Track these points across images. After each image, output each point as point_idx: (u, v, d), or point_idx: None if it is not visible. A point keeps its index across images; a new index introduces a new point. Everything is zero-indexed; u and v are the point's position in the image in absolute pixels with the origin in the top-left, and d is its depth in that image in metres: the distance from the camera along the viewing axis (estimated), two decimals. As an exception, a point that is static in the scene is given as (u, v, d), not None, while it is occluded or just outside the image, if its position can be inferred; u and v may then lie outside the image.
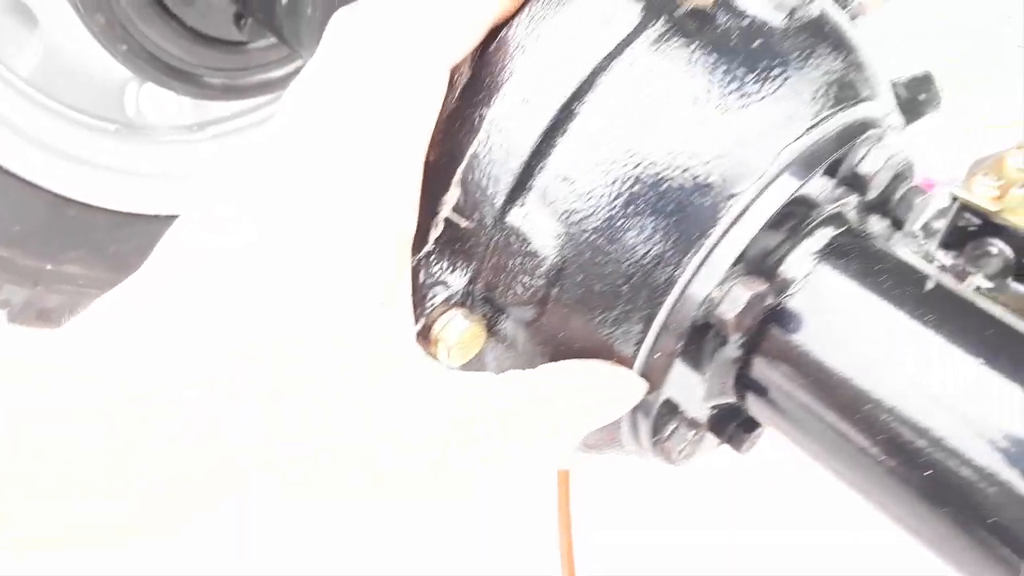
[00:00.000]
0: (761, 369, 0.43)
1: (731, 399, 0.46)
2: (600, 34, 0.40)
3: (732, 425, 0.49)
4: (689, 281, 0.39)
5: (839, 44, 0.43)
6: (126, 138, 1.03)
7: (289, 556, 0.32)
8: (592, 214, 0.40)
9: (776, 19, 0.42)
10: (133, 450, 0.25)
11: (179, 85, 0.92)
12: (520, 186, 0.41)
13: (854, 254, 0.42)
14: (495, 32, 0.42)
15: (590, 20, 0.40)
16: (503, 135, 0.41)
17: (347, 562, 0.39)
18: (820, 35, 0.42)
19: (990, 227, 0.90)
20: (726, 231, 0.39)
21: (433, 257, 0.43)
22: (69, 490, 0.24)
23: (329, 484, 0.30)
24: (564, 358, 0.43)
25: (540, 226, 0.40)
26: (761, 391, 0.44)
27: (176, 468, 0.26)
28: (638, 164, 0.39)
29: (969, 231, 0.95)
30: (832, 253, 0.42)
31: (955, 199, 0.86)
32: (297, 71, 0.99)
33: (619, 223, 0.40)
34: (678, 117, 0.39)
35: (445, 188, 0.43)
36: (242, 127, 1.10)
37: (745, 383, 0.45)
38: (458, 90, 0.43)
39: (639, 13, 0.40)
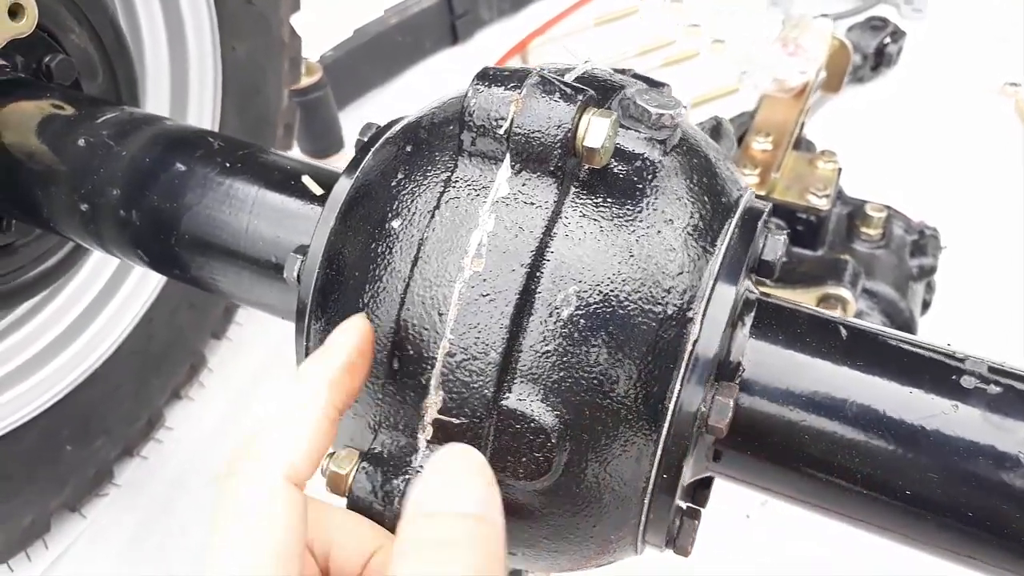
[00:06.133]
0: (734, 442, 0.49)
1: (704, 474, 0.52)
2: (531, 217, 0.43)
3: (693, 487, 0.54)
4: (677, 406, 0.44)
5: (706, 157, 0.49)
6: None
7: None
8: (581, 374, 0.43)
9: (656, 153, 0.47)
10: None
11: (-48, 313, 0.81)
12: (505, 372, 0.43)
13: (775, 325, 0.49)
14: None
15: (518, 206, 0.43)
16: (475, 332, 0.42)
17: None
18: (692, 154, 0.48)
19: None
20: (692, 351, 0.44)
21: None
22: None
23: None
24: (581, 511, 0.46)
25: (536, 403, 0.43)
26: (735, 459, 0.50)
27: None
28: (605, 317, 0.43)
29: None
30: (760, 330, 0.49)
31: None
32: (74, 252, 0.90)
33: (607, 374, 0.43)
34: (621, 267, 0.43)
35: (421, 394, 0.43)
36: (17, 317, 0.98)
37: (716, 457, 0.50)
38: (405, 300, 0.44)
39: (555, 190, 0.43)
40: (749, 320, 0.49)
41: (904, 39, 1.68)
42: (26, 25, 0.72)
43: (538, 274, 0.43)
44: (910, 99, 1.64)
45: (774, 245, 0.48)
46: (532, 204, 0.43)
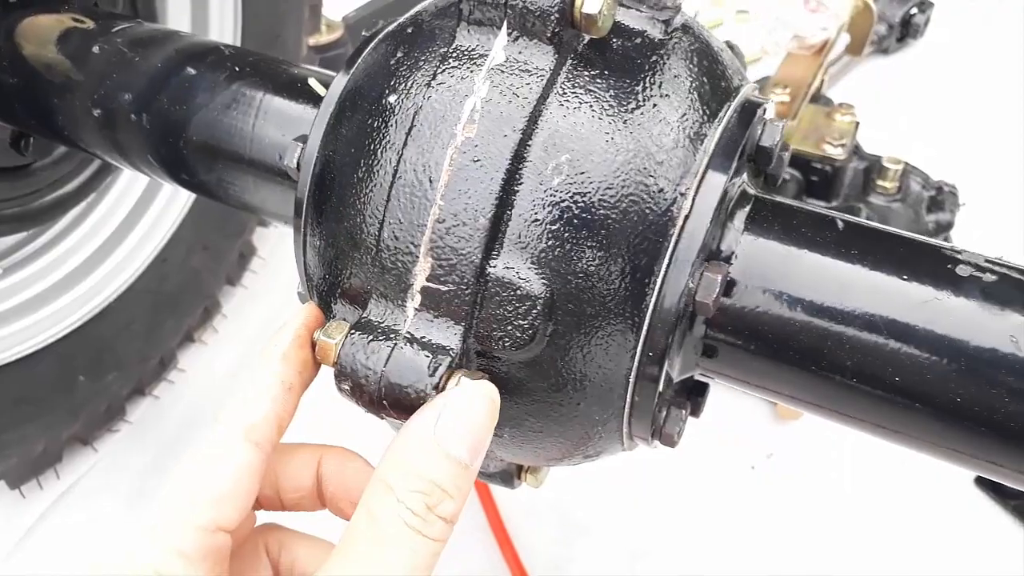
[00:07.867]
0: (724, 336, 0.49)
1: (693, 372, 0.51)
2: (527, 83, 0.43)
3: (686, 395, 0.54)
4: (664, 280, 0.44)
5: (707, 43, 0.49)
6: None
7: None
8: (569, 244, 0.43)
9: (658, 32, 0.46)
10: None
11: (-33, 230, 0.82)
12: (494, 240, 0.43)
13: (771, 218, 0.49)
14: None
15: (514, 73, 0.43)
16: (464, 198, 0.42)
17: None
18: (693, 38, 0.48)
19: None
20: (682, 227, 0.44)
21: (420, 326, 0.44)
22: None
23: None
24: (566, 387, 0.46)
25: (523, 270, 0.43)
26: (727, 356, 0.50)
27: None
28: (596, 187, 0.43)
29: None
30: (754, 223, 0.48)
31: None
32: (93, 178, 0.92)
33: (595, 244, 0.43)
34: (615, 137, 0.43)
35: (411, 261, 0.44)
36: (37, 248, 1.00)
37: (708, 353, 0.50)
38: (395, 161, 0.44)
39: (551, 58, 0.43)
40: (744, 214, 0.48)
41: (931, 10, 1.66)
42: (47, -60, 0.73)
43: (530, 142, 0.43)
44: (935, 71, 1.62)
45: (772, 131, 0.48)
46: (528, 71, 0.43)
